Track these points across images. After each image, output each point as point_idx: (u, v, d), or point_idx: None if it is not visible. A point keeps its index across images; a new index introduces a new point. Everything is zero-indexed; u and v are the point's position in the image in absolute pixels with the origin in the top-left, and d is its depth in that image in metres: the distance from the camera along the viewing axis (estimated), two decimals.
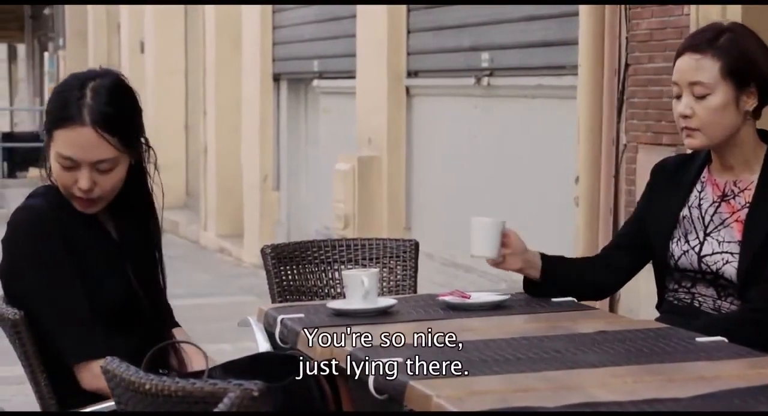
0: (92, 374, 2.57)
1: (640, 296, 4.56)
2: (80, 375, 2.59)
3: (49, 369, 2.66)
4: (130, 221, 2.76)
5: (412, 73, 7.40)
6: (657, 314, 2.97)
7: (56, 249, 2.60)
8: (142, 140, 2.70)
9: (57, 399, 2.67)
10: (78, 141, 2.57)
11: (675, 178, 2.94)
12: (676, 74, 2.82)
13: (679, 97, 2.82)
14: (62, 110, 2.59)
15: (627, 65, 4.94)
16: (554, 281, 2.94)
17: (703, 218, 2.85)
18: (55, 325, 2.61)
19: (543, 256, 2.98)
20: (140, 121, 2.69)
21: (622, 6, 4.94)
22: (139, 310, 2.73)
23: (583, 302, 2.96)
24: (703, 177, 2.90)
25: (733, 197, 2.83)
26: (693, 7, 4.46)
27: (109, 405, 2.51)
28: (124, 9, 13.87)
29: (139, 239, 2.76)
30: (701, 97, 2.77)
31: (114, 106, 2.60)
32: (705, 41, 2.79)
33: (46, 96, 21.25)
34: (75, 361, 2.59)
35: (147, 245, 2.79)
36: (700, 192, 2.88)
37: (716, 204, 2.85)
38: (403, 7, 7.36)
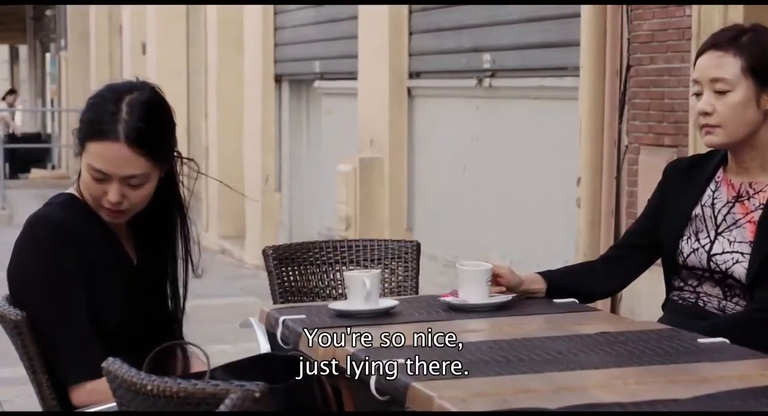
0: (84, 390, 2.58)
1: (641, 296, 4.56)
2: (72, 394, 2.60)
3: (51, 370, 2.67)
4: (151, 239, 2.75)
5: (413, 75, 7.40)
6: (658, 314, 2.97)
7: (67, 267, 2.59)
8: (175, 153, 2.70)
9: (59, 400, 2.67)
10: (110, 156, 2.56)
11: (688, 177, 2.95)
12: (697, 72, 2.83)
13: (698, 95, 2.82)
14: (97, 122, 2.58)
15: (629, 66, 4.94)
16: (560, 295, 2.95)
17: (715, 218, 2.86)
18: (54, 340, 2.61)
19: (545, 275, 2.98)
20: (173, 136, 2.68)
21: (624, 7, 4.94)
22: (144, 331, 2.73)
23: (584, 303, 2.96)
24: (718, 177, 2.90)
25: (748, 199, 2.84)
26: (695, 8, 4.46)
27: (110, 406, 2.51)
28: (126, 10, 13.88)
29: (157, 258, 2.76)
30: (722, 94, 2.78)
31: (148, 122, 2.59)
32: (727, 40, 2.80)
33: (48, 97, 21.27)
34: (68, 382, 2.60)
35: (166, 260, 2.78)
36: (714, 192, 2.89)
37: (730, 204, 2.85)
38: (405, 9, 7.36)
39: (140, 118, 2.57)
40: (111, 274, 2.66)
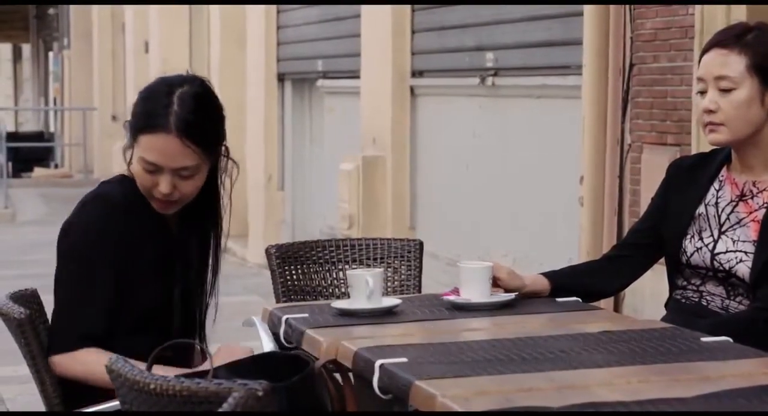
0: (62, 361, 2.62)
1: (644, 295, 4.56)
2: (52, 362, 2.63)
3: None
4: (194, 226, 2.77)
5: (416, 73, 7.40)
6: (661, 313, 2.97)
7: (106, 248, 2.62)
8: (222, 147, 2.72)
9: (61, 398, 2.68)
10: (162, 148, 2.60)
11: (692, 176, 2.95)
12: (702, 69, 2.83)
13: (703, 93, 2.82)
14: (149, 115, 2.62)
15: (632, 65, 4.94)
16: (563, 295, 2.95)
17: (719, 217, 2.86)
18: (58, 306, 2.66)
19: (549, 275, 2.98)
20: (223, 128, 2.71)
21: (627, 6, 4.94)
22: (172, 316, 2.75)
23: (588, 303, 2.96)
24: (722, 176, 2.90)
25: (752, 197, 2.83)
26: (698, 6, 4.46)
27: (113, 404, 2.51)
28: (128, 9, 13.88)
29: (196, 246, 2.78)
30: (727, 92, 2.78)
31: (199, 114, 2.62)
32: (732, 37, 2.80)
33: (51, 96, 21.27)
34: (51, 351, 2.64)
35: (202, 254, 2.80)
36: (717, 190, 2.89)
37: (734, 203, 2.85)
38: (408, 7, 7.36)
39: (191, 110, 2.60)
40: (152, 253, 2.69)
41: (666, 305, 2.98)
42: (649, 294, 4.47)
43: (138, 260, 2.67)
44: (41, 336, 2.67)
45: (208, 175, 2.71)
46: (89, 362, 2.60)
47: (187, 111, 2.60)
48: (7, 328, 2.69)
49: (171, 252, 2.75)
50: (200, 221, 2.78)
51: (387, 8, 7.40)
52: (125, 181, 2.71)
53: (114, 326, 2.66)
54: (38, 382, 2.70)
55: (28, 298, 2.74)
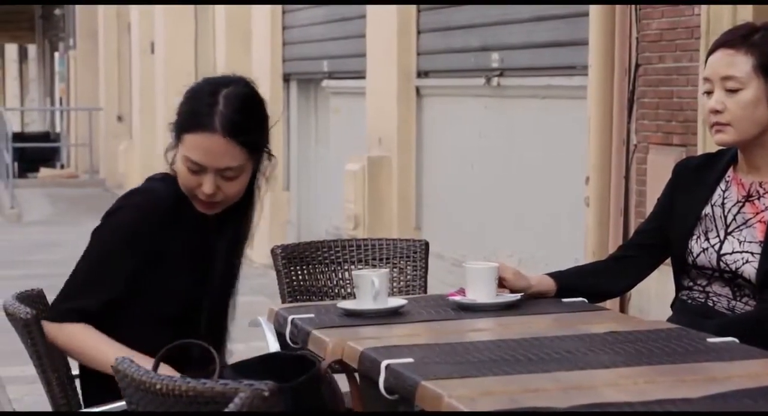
0: (50, 329, 2.64)
1: (650, 296, 4.55)
2: (43, 326, 2.65)
3: (60, 369, 2.67)
4: (228, 227, 2.77)
5: (422, 74, 7.40)
6: (667, 314, 2.97)
7: (135, 245, 2.63)
8: (266, 149, 2.72)
9: (67, 398, 2.68)
10: (207, 148, 2.59)
11: (698, 176, 2.94)
12: (708, 70, 2.82)
13: (709, 93, 2.82)
14: (194, 114, 2.61)
15: (637, 65, 4.94)
16: (570, 295, 2.95)
17: (725, 217, 2.85)
18: (67, 279, 2.68)
19: (555, 276, 2.97)
20: (267, 130, 2.70)
21: (633, 6, 4.94)
22: (198, 316, 2.76)
23: (594, 303, 2.96)
24: (728, 176, 2.90)
25: (758, 198, 2.83)
26: (704, 7, 4.45)
27: (120, 404, 2.52)
28: (134, 9, 13.89)
29: (228, 247, 2.79)
30: (733, 92, 2.78)
31: (245, 115, 2.61)
32: (739, 38, 2.79)
33: (57, 96, 21.29)
34: (44, 316, 2.65)
35: (233, 253, 2.81)
36: (724, 191, 2.88)
37: (740, 204, 2.85)
38: (413, 8, 7.36)
39: (236, 110, 2.59)
40: (188, 253, 2.70)
41: (672, 306, 2.98)
42: (654, 295, 4.47)
43: (172, 260, 2.68)
44: (46, 337, 2.67)
45: (250, 179, 2.70)
46: (73, 335, 2.62)
47: (232, 111, 2.59)
48: (14, 328, 2.70)
49: (206, 253, 2.75)
50: (234, 223, 2.77)
51: (392, 9, 7.40)
52: (168, 180, 2.69)
53: (118, 317, 2.67)
54: (44, 383, 2.70)
55: (34, 298, 2.74)
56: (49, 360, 2.66)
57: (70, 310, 2.64)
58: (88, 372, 2.70)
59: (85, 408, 2.72)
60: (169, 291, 2.69)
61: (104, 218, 2.71)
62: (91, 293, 2.65)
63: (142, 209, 2.65)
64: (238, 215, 2.77)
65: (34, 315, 2.62)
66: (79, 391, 2.75)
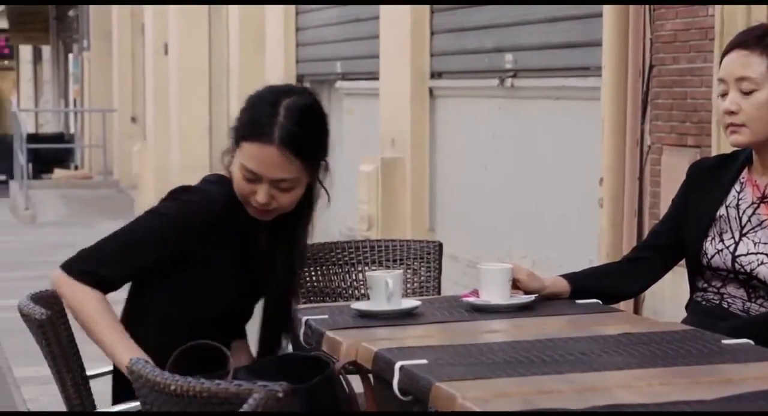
0: (63, 281, 2.62)
1: (664, 297, 4.54)
2: (55, 271, 2.64)
3: (74, 369, 2.68)
4: (284, 238, 2.75)
5: (435, 75, 7.40)
6: (682, 315, 2.96)
7: (179, 237, 2.62)
8: (323, 162, 2.70)
9: (81, 399, 2.68)
10: (263, 158, 2.57)
11: (712, 177, 2.93)
12: (723, 71, 2.82)
13: (724, 94, 2.81)
14: (254, 123, 2.60)
15: (651, 66, 4.93)
16: (584, 296, 2.94)
17: (740, 219, 2.84)
18: (103, 238, 2.66)
19: (570, 277, 2.97)
20: (326, 144, 2.69)
21: (647, 7, 4.93)
22: (233, 326, 2.77)
23: (608, 304, 2.96)
24: (743, 178, 2.89)
25: None
26: (718, 7, 4.44)
27: (134, 405, 2.52)
28: (148, 10, 13.92)
29: (284, 257, 2.76)
30: (748, 93, 2.77)
31: (304, 128, 2.59)
32: (753, 38, 2.79)
33: (71, 97, 21.34)
34: (64, 264, 2.64)
35: (288, 264, 2.77)
36: (738, 192, 2.87)
37: (755, 205, 2.84)
38: (427, 9, 7.36)
39: (297, 123, 2.58)
40: (232, 260, 2.68)
41: (686, 308, 2.97)
42: (669, 296, 4.46)
43: (215, 264, 2.67)
44: (61, 337, 2.67)
45: (307, 189, 2.69)
46: (86, 300, 2.60)
47: (292, 123, 2.57)
48: (29, 329, 2.70)
49: (255, 260, 2.74)
50: (290, 233, 2.75)
51: (406, 9, 7.40)
52: (224, 182, 2.67)
53: (152, 315, 2.68)
54: (59, 383, 2.70)
55: (48, 299, 2.74)
56: (64, 360, 2.66)
57: (91, 273, 2.61)
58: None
59: (113, 404, 2.71)
60: (208, 295, 2.68)
61: (157, 205, 2.69)
62: (116, 267, 2.62)
63: (195, 210, 2.63)
64: (293, 227, 2.74)
65: (49, 315, 2.62)
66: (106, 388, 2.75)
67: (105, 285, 2.63)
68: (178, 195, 2.68)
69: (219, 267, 2.67)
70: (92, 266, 2.62)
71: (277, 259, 2.75)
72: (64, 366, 2.66)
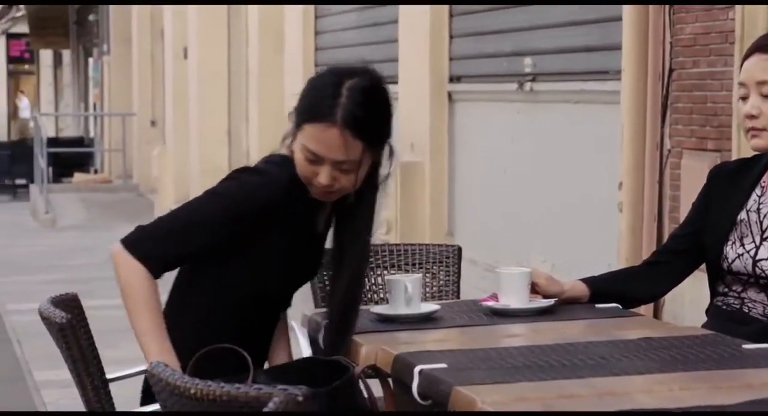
0: (120, 257, 2.57)
1: (684, 302, 4.53)
2: (115, 245, 2.60)
3: (94, 373, 2.68)
4: (346, 222, 2.70)
5: (454, 79, 7.40)
6: (702, 320, 2.95)
7: (244, 218, 2.57)
8: (388, 143, 2.65)
9: (101, 402, 2.69)
10: (325, 139, 2.54)
11: (733, 181, 2.92)
12: (744, 74, 2.81)
13: (745, 98, 2.80)
14: (315, 105, 2.56)
15: (671, 70, 4.92)
16: (603, 300, 2.93)
17: (761, 223, 2.83)
18: (169, 214, 2.63)
19: (589, 281, 2.96)
20: (390, 125, 2.64)
21: (666, 10, 4.92)
22: (275, 310, 2.74)
23: (628, 309, 2.95)
24: (764, 182, 2.88)
25: None
26: (738, 11, 4.43)
27: (154, 408, 2.53)
28: (167, 15, 13.95)
29: (348, 239, 2.70)
30: None
31: (367, 109, 2.55)
32: None
33: (91, 101, 21.41)
34: (123, 241, 2.59)
35: (354, 248, 2.70)
36: (759, 196, 2.86)
37: None
38: (446, 13, 7.36)
39: (359, 104, 2.53)
40: (288, 243, 2.64)
41: (707, 312, 2.96)
42: (688, 301, 4.44)
43: (272, 244, 2.62)
44: (81, 341, 2.67)
45: (370, 172, 2.63)
46: (132, 277, 2.55)
47: (355, 104, 2.53)
48: (49, 332, 2.71)
49: (309, 243, 2.70)
50: (353, 217, 2.69)
51: (425, 13, 7.40)
52: (286, 164, 2.62)
53: (206, 294, 2.65)
54: (79, 387, 2.71)
55: (68, 302, 2.75)
56: (84, 364, 2.67)
57: (149, 251, 2.57)
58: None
59: (142, 404, 2.71)
60: (257, 277, 2.64)
61: (218, 185, 2.65)
62: (175, 246, 2.58)
63: (256, 191, 2.59)
64: (356, 210, 2.68)
65: (69, 319, 2.62)
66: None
67: (161, 265, 2.58)
68: (240, 176, 2.64)
69: (273, 248, 2.63)
70: (151, 245, 2.57)
71: (345, 248, 2.69)
72: (84, 369, 2.67)
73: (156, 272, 2.58)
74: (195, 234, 2.59)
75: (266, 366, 2.76)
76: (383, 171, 2.67)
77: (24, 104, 29.85)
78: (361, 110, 2.54)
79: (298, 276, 2.77)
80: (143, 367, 2.58)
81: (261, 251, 2.63)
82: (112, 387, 2.77)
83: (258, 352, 2.69)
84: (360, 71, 2.60)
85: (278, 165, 2.64)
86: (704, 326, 2.84)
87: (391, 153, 2.67)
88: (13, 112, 31.43)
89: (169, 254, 2.59)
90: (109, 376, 2.77)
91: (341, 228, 2.72)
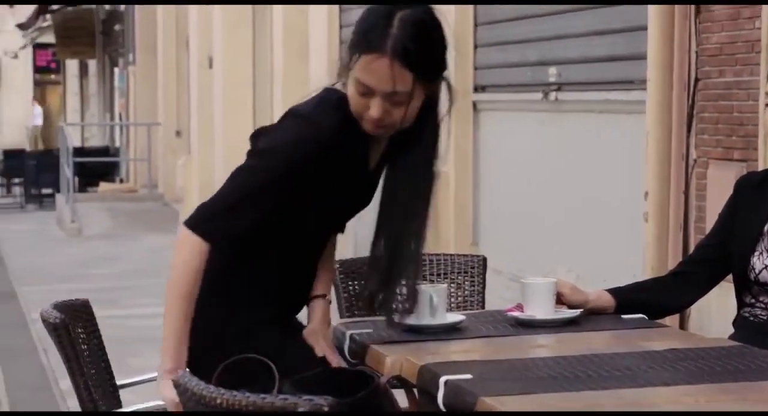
0: (187, 240, 2.53)
1: (711, 313, 4.51)
2: (180, 232, 2.56)
3: (88, 373, 2.71)
4: (404, 160, 2.66)
5: (479, 88, 7.40)
6: (728, 331, 2.94)
7: (298, 170, 2.55)
8: (443, 78, 2.61)
9: (94, 402, 2.70)
10: (376, 70, 2.51)
11: (760, 192, 2.91)
12: None
13: None
14: (366, 35, 2.53)
15: (697, 80, 4.90)
16: (629, 311, 2.92)
17: None
18: (217, 193, 2.59)
19: (615, 292, 2.95)
20: (443, 57, 2.59)
21: (692, 19, 4.90)
22: (320, 248, 2.74)
23: (653, 319, 2.94)
24: None
25: None
26: (764, 20, 4.41)
27: (157, 404, 2.54)
28: (192, 24, 14.00)
29: (407, 183, 2.67)
30: None
31: (418, 40, 2.51)
32: None
33: (116, 111, 21.51)
34: (186, 220, 2.56)
35: (413, 185, 2.68)
36: None
37: None
38: (470, 23, 7.36)
39: (410, 35, 2.50)
40: (335, 183, 2.62)
41: (733, 323, 2.94)
42: (715, 312, 4.42)
43: (325, 181, 2.60)
44: (76, 343, 2.71)
45: (426, 108, 2.60)
46: (179, 261, 2.51)
47: (405, 35, 2.50)
48: (48, 333, 2.75)
49: (361, 178, 2.68)
50: (410, 154, 2.66)
51: (449, 23, 7.38)
52: (341, 103, 2.58)
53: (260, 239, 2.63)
54: (74, 386, 2.75)
55: (76, 307, 2.80)
56: (78, 364, 2.70)
57: (217, 228, 2.53)
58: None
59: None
60: (307, 213, 2.63)
61: (269, 141, 2.61)
62: (243, 215, 2.55)
63: (307, 143, 2.55)
64: (416, 143, 2.65)
65: (63, 319, 2.66)
66: None
67: (231, 240, 2.55)
68: (289, 127, 2.59)
69: (325, 184, 2.61)
70: (215, 223, 2.54)
71: (398, 187, 2.67)
72: (78, 369, 2.70)
73: (227, 246, 2.54)
74: (263, 199, 2.55)
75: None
76: (442, 109, 2.62)
77: (36, 111, 30.03)
78: (411, 41, 2.49)
79: (350, 208, 2.75)
80: (154, 375, 2.59)
81: (312, 188, 2.60)
82: (128, 394, 2.79)
83: (306, 278, 2.71)
84: (414, 3, 2.56)
85: (330, 107, 2.59)
86: (731, 337, 2.83)
87: (449, 88, 2.63)
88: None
89: (240, 225, 2.55)
90: (120, 382, 2.81)
91: (396, 166, 2.68)
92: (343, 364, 2.68)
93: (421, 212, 2.71)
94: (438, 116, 2.66)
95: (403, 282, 2.68)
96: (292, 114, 2.63)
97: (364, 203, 2.78)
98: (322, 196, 2.63)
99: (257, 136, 2.69)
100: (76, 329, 2.72)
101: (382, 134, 2.62)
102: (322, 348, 2.69)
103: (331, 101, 2.61)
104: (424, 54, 2.54)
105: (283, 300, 2.69)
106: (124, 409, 2.75)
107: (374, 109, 2.53)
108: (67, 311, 2.72)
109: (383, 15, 2.52)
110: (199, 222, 2.54)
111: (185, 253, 2.53)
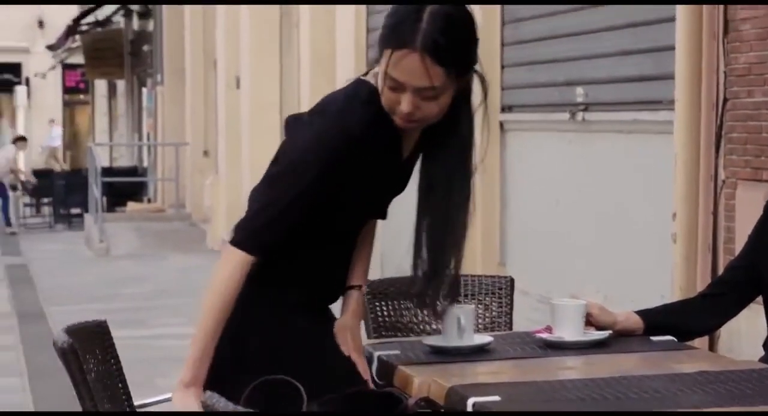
0: (231, 251, 2.54)
1: (741, 335, 4.48)
2: (224, 248, 2.57)
3: (98, 398, 2.71)
4: (437, 154, 2.66)
5: (506, 108, 7.39)
6: (759, 353, 2.92)
7: (329, 169, 2.55)
8: (474, 71, 2.60)
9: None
10: (406, 65, 2.49)
11: None
12: None
13: None
14: (396, 30, 2.51)
15: (725, 100, 4.88)
16: (658, 333, 2.90)
17: None
18: (255, 204, 2.61)
19: (643, 313, 2.93)
20: (474, 52, 2.58)
21: (720, 39, 4.89)
22: (355, 237, 2.74)
23: (682, 341, 2.92)
24: None
25: None
26: None
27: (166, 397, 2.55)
28: (220, 45, 14.08)
29: (443, 178, 2.67)
30: None
31: (448, 35, 2.49)
32: None
33: (144, 131, 21.63)
34: (231, 240, 2.57)
35: (450, 177, 2.68)
36: None
37: None
38: (497, 42, 7.36)
39: (440, 29, 2.48)
40: (366, 176, 2.61)
41: (764, 346, 2.92)
42: (745, 334, 4.39)
43: (359, 175, 2.60)
44: (84, 367, 2.70)
45: (459, 100, 2.59)
46: (218, 280, 2.52)
47: (435, 29, 2.47)
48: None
49: (394, 169, 2.67)
50: (445, 147, 2.65)
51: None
52: (372, 97, 2.57)
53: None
54: (83, 409, 2.75)
55: (91, 328, 2.79)
56: (86, 387, 2.70)
57: (263, 243, 2.54)
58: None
59: None
60: (343, 205, 2.63)
61: (295, 138, 2.62)
62: (284, 224, 2.56)
63: (335, 141, 2.54)
64: (450, 137, 2.64)
65: (71, 343, 2.65)
66: None
67: (273, 247, 2.56)
68: (319, 129, 2.58)
69: (361, 178, 2.61)
70: (259, 236, 2.55)
71: (434, 182, 2.66)
72: (86, 392, 2.69)
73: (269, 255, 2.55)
74: (293, 212, 2.57)
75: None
76: (475, 101, 2.60)
77: (55, 132, 30.18)
78: (441, 36, 2.48)
79: (385, 197, 2.74)
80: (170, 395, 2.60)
81: (349, 179, 2.60)
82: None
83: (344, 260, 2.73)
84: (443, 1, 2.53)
85: (359, 103, 2.58)
86: (761, 360, 2.81)
87: (483, 81, 2.62)
88: (68, 141, 31.80)
89: (277, 235, 2.56)
90: (137, 402, 2.81)
91: (431, 159, 2.67)
92: (366, 366, 2.68)
93: (462, 207, 2.76)
94: (472, 108, 2.65)
95: (446, 272, 2.69)
96: (321, 112, 2.62)
97: (399, 190, 2.77)
98: (357, 188, 2.63)
99: (293, 122, 2.67)
100: (88, 352, 2.71)
101: (413, 128, 2.61)
102: (349, 347, 2.68)
103: (361, 97, 2.60)
104: (455, 48, 2.52)
105: (315, 291, 2.67)
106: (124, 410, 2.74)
107: (405, 104, 2.52)
108: (80, 334, 2.72)
109: (413, 9, 2.51)
110: (243, 239, 2.56)
111: (230, 267, 2.54)
